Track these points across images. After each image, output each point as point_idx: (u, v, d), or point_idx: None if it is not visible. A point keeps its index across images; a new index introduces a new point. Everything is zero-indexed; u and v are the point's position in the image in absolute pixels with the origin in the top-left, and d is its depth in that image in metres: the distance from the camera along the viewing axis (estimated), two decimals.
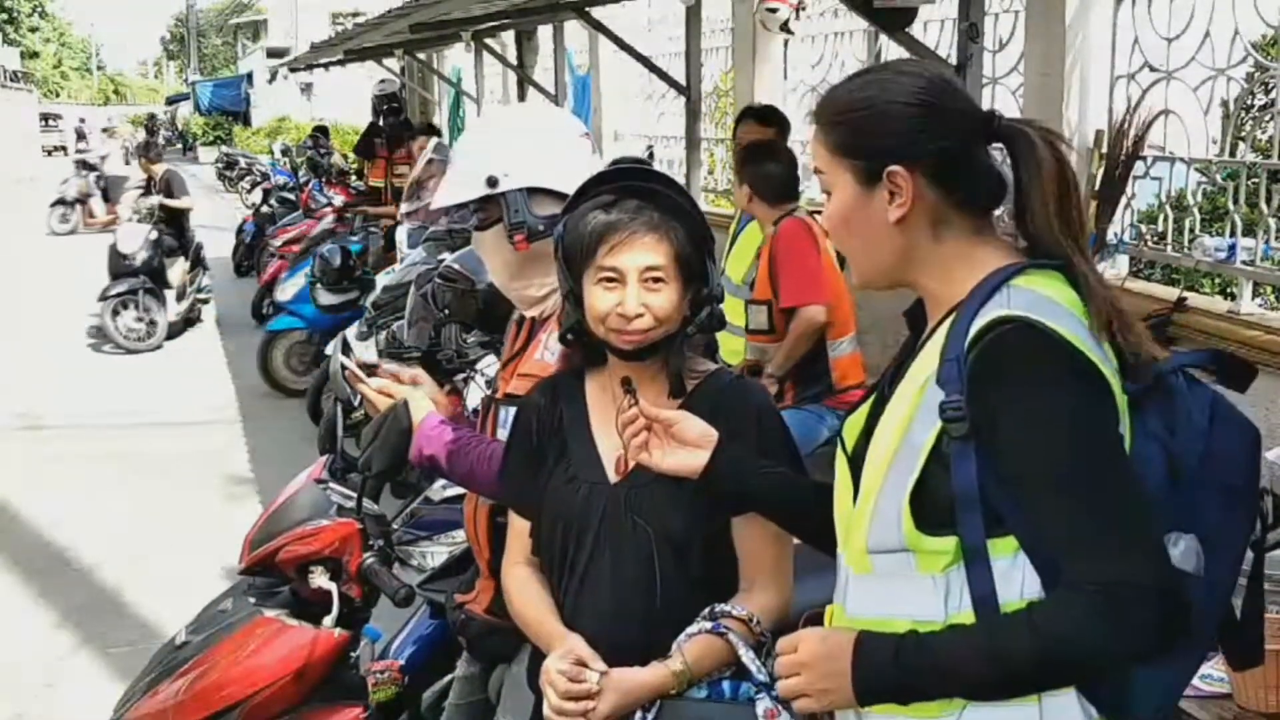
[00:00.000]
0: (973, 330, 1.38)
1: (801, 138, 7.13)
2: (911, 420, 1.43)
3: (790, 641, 1.48)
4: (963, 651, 1.38)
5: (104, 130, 26.07)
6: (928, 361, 1.44)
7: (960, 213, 1.48)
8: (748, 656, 1.78)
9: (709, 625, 1.81)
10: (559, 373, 2.07)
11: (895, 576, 1.45)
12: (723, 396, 1.91)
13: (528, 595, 1.96)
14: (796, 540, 1.83)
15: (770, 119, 4.84)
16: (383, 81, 11.77)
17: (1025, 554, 1.38)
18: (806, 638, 1.47)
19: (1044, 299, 1.39)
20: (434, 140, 6.47)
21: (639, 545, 1.86)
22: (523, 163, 2.22)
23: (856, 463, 1.53)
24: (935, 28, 5.83)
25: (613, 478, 1.91)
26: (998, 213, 1.52)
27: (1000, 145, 1.49)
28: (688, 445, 1.71)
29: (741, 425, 1.84)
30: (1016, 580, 1.38)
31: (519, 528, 2.01)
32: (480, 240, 2.31)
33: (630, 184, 1.92)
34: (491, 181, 2.21)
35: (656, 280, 1.86)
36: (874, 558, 1.47)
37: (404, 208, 8.18)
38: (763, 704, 1.74)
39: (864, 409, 1.60)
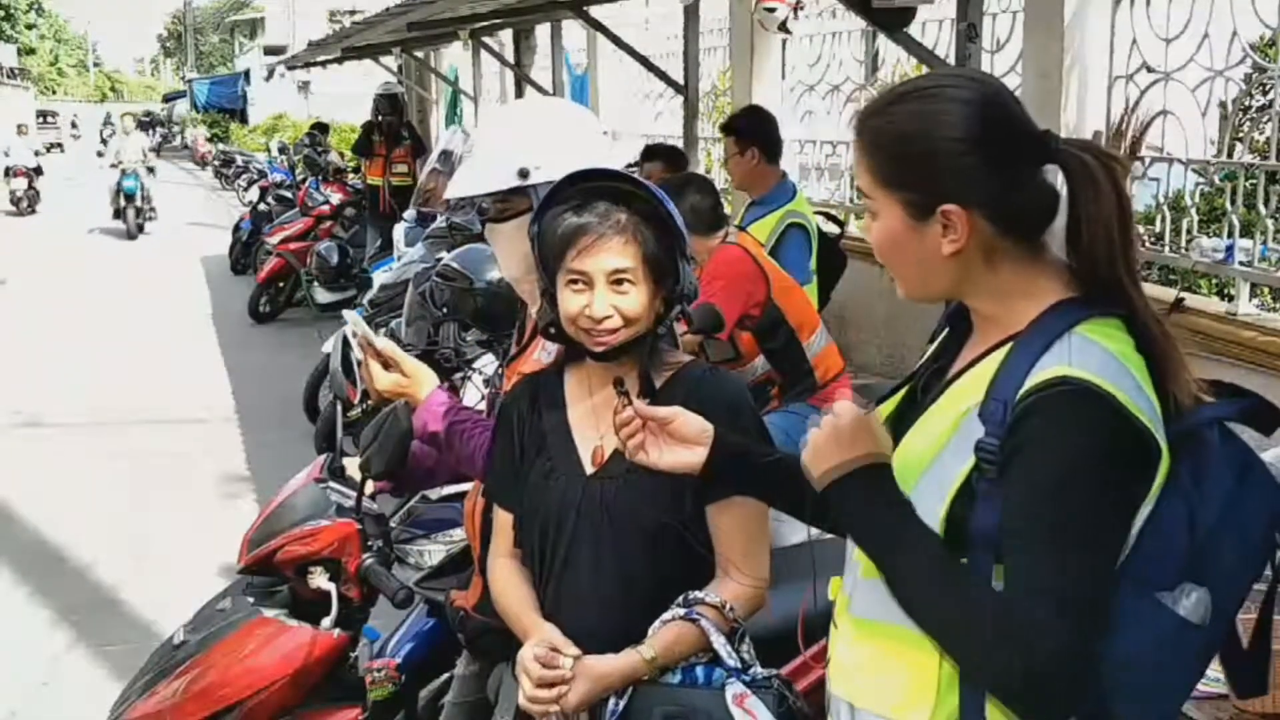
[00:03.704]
0: (1030, 382, 1.36)
1: (799, 136, 7.15)
2: (945, 445, 1.42)
3: (847, 408, 1.48)
4: (920, 551, 1.40)
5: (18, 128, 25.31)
6: (973, 388, 1.42)
7: (1014, 239, 1.45)
8: (719, 642, 1.80)
9: (682, 612, 1.83)
10: (539, 370, 2.08)
11: None
12: (697, 388, 1.93)
13: (509, 587, 2.00)
14: (795, 541, 1.84)
15: (730, 128, 4.75)
16: (386, 83, 11.79)
17: None
18: (856, 414, 1.47)
19: (1106, 355, 1.36)
20: (445, 140, 6.43)
21: (615, 536, 1.88)
22: (555, 156, 2.20)
23: None
24: (934, 28, 5.84)
25: (589, 470, 1.93)
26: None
27: (1055, 166, 1.44)
28: (685, 442, 1.71)
29: (715, 417, 1.81)
30: None
31: (503, 520, 2.04)
32: (496, 232, 2.28)
33: (603, 184, 1.92)
34: (523, 173, 2.20)
35: (624, 282, 1.88)
36: None
37: (409, 213, 8.17)
38: (732, 689, 1.76)
39: (893, 402, 1.59)
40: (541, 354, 2.19)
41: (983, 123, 1.41)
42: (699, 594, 1.85)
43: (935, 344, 1.62)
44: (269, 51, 34.67)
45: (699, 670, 1.81)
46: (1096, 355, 1.36)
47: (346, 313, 2.47)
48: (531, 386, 2.05)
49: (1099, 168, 1.41)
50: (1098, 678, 1.35)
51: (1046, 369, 1.36)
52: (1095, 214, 1.41)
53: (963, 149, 1.40)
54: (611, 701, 1.80)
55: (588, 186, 1.92)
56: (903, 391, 1.60)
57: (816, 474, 1.48)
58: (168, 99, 49.32)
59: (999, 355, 1.42)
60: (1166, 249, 4.49)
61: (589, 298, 1.87)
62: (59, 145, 38.92)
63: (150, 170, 18.75)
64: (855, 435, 1.45)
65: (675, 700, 1.78)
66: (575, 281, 1.89)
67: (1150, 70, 4.48)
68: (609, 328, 1.88)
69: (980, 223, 1.42)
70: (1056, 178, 1.45)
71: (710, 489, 1.85)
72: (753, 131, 4.68)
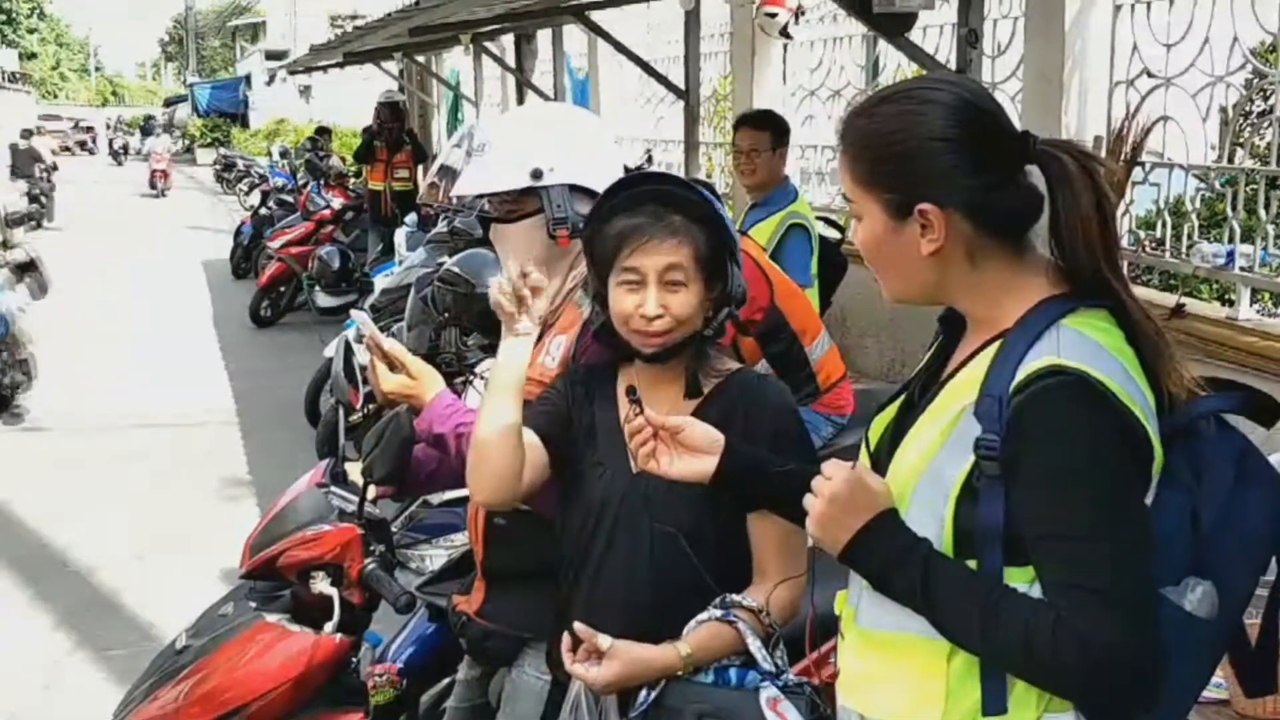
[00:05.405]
0: (1020, 374, 1.36)
1: (800, 141, 7.16)
2: (942, 446, 1.42)
3: (836, 468, 1.47)
4: (954, 587, 1.39)
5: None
6: (966, 388, 1.42)
7: (996, 239, 1.46)
8: (754, 645, 1.81)
9: (719, 613, 1.84)
10: (594, 363, 2.09)
11: None
12: (741, 396, 1.95)
13: None
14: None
15: (765, 124, 4.82)
16: (388, 91, 11.83)
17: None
18: (847, 476, 1.46)
19: (1095, 346, 1.37)
20: (445, 154, 6.41)
21: (652, 537, 1.90)
22: (568, 159, 2.21)
23: (878, 467, 1.54)
24: (935, 33, 5.85)
25: (634, 467, 1.92)
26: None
27: (1035, 167, 1.45)
28: (696, 451, 1.71)
29: (756, 425, 1.88)
30: None
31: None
32: (504, 233, 2.28)
33: (653, 188, 1.95)
34: (536, 174, 2.20)
35: (676, 282, 1.90)
36: None
37: (411, 217, 8.16)
38: (766, 693, 1.76)
39: (891, 410, 1.60)
40: (545, 357, 2.19)
41: (961, 124, 1.42)
42: (736, 597, 1.87)
43: (931, 350, 1.63)
44: (270, 56, 34.68)
45: (732, 672, 1.82)
46: (1086, 346, 1.37)
47: (355, 312, 2.47)
48: (587, 376, 2.06)
49: (1076, 168, 1.42)
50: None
51: (1036, 360, 1.37)
52: (1074, 212, 1.42)
53: (940, 150, 1.42)
54: (643, 692, 1.81)
55: (635, 191, 1.95)
56: (900, 399, 1.61)
57: (829, 547, 1.48)
58: (169, 103, 49.34)
59: (989, 353, 1.43)
60: (1167, 254, 4.50)
61: (641, 296, 1.90)
62: (67, 149, 39.06)
63: (26, 270, 7.69)
64: (852, 498, 1.45)
65: (709, 699, 1.79)
66: (628, 281, 1.91)
67: (1151, 75, 4.49)
68: (660, 328, 1.90)
69: (959, 223, 1.44)
70: (1039, 178, 1.46)
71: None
72: (782, 130, 4.73)
